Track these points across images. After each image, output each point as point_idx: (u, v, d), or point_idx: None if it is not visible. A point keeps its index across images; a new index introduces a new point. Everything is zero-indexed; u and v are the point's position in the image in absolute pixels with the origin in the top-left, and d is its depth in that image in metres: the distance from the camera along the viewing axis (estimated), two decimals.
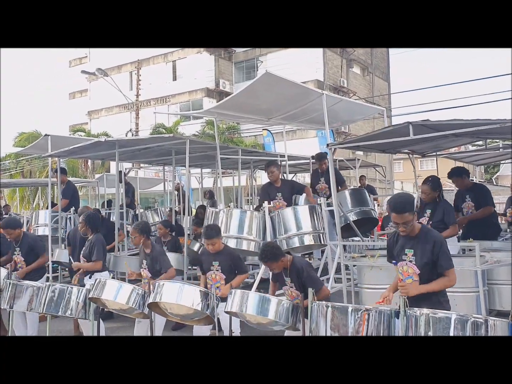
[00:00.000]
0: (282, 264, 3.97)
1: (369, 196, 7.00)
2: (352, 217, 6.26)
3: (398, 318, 2.99)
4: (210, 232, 4.55)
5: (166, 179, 11.69)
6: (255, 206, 8.99)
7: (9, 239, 5.47)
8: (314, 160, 7.62)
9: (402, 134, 4.87)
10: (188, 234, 6.78)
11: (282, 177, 6.94)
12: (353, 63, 29.55)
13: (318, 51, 26.26)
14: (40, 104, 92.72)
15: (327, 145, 5.41)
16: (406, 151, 6.68)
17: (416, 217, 3.38)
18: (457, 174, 5.78)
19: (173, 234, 7.06)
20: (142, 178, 15.81)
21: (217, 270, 4.52)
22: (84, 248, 5.39)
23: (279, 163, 8.43)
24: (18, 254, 5.45)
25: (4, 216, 9.21)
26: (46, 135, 7.39)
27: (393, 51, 34.85)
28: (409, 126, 4.68)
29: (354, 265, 5.74)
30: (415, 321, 2.90)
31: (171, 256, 5.86)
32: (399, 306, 2.98)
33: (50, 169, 8.52)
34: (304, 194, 6.19)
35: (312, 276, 4.04)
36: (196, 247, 6.96)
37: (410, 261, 3.32)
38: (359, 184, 10.23)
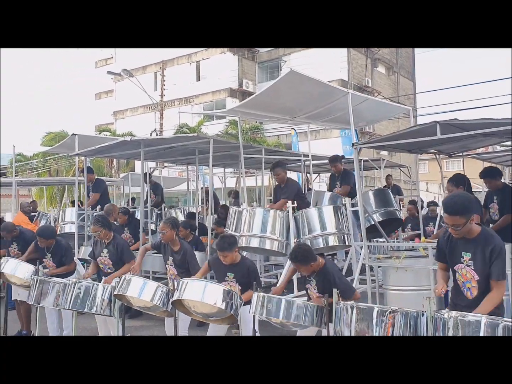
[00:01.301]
0: (311, 269, 3.91)
1: (394, 197, 6.92)
2: (376, 217, 6.18)
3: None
4: (222, 244, 4.33)
5: (189, 178, 11.77)
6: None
7: (39, 245, 5.58)
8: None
9: (428, 134, 4.79)
10: (211, 233, 6.80)
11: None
12: (378, 62, 29.25)
13: (343, 51, 26.08)
14: (67, 104, 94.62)
15: (352, 144, 5.36)
16: (433, 151, 6.57)
17: (477, 219, 3.13)
18: (490, 175, 5.59)
19: (194, 233, 7.11)
20: (166, 177, 15.96)
21: (232, 281, 4.40)
22: (107, 250, 5.28)
23: (302, 162, 8.42)
24: (49, 260, 5.56)
25: (33, 213, 9.45)
26: (73, 134, 7.53)
27: (418, 50, 34.34)
28: (436, 126, 4.60)
29: (379, 266, 5.68)
30: (443, 324, 2.83)
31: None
32: (426, 308, 2.93)
33: (77, 168, 8.67)
34: (328, 195, 6.15)
35: (345, 282, 3.98)
36: None
37: (468, 266, 3.12)
38: (385, 184, 10.11)
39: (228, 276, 4.40)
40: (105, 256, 5.25)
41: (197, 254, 6.19)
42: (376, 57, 28.94)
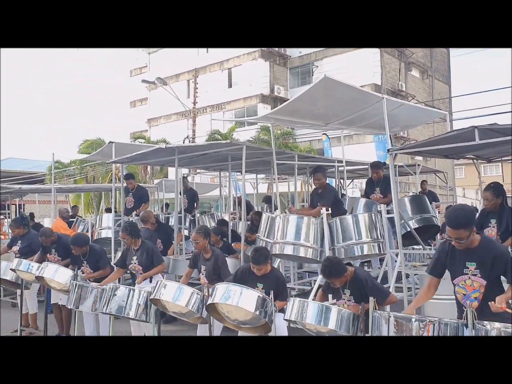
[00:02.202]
0: (345, 279, 3.89)
1: (430, 203, 6.77)
2: (413, 224, 6.06)
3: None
4: (258, 258, 4.35)
5: (221, 184, 11.85)
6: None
7: (74, 253, 5.72)
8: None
9: (466, 139, 4.68)
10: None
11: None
12: (412, 66, 28.80)
13: (376, 55, 25.82)
14: (103, 112, 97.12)
15: (388, 150, 5.29)
16: (471, 156, 6.41)
17: (476, 230, 3.13)
18: None
19: (225, 240, 7.16)
20: (198, 183, 16.13)
21: (263, 289, 4.38)
22: (136, 257, 5.37)
23: (336, 168, 8.35)
24: (86, 267, 5.69)
25: (71, 219, 9.71)
26: (110, 142, 7.70)
27: (454, 53, 33.65)
28: (474, 131, 4.49)
29: (415, 274, 5.57)
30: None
31: (228, 261, 5.90)
32: (467, 319, 2.85)
33: (114, 175, 8.88)
34: (363, 201, 6.07)
35: (377, 285, 3.95)
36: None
37: (474, 275, 3.12)
38: (419, 190, 9.91)
39: (258, 287, 4.41)
40: (135, 263, 5.34)
41: (229, 260, 6.23)
42: (410, 61, 28.50)
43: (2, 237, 11.16)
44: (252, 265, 4.41)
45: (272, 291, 4.08)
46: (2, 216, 13.12)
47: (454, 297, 4.59)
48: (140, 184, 9.61)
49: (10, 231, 8.30)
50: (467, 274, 3.15)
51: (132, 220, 7.84)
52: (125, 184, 8.36)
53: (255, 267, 4.39)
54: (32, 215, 9.39)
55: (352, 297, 3.89)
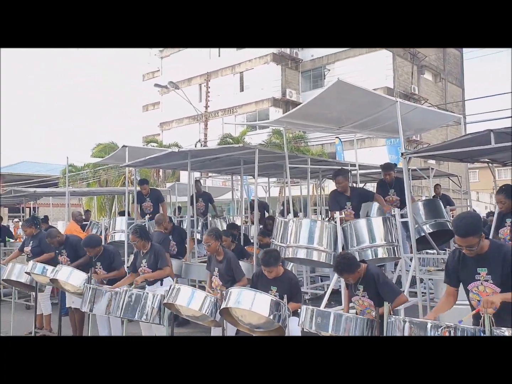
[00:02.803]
0: (358, 275, 3.89)
1: (444, 207, 6.70)
2: (427, 229, 6.01)
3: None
4: (268, 259, 4.35)
5: (233, 188, 11.86)
6: (326, 217, 8.87)
7: (88, 254, 5.75)
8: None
9: (482, 143, 4.62)
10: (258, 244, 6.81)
11: (351, 185, 6.79)
12: (425, 69, 28.63)
13: (388, 58, 25.72)
14: (115, 116, 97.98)
15: (402, 154, 5.25)
16: (485, 160, 6.34)
17: (484, 235, 3.09)
18: None
19: (237, 242, 7.17)
20: (210, 187, 16.16)
21: (275, 296, 4.36)
22: (146, 260, 5.40)
23: (350, 172, 8.31)
24: (100, 268, 5.72)
25: (85, 222, 9.78)
26: (124, 146, 7.75)
27: (467, 56, 33.39)
28: (490, 134, 4.44)
29: (429, 279, 5.51)
30: None
31: (241, 265, 5.91)
32: (484, 325, 2.81)
33: (127, 179, 8.93)
34: (376, 205, 6.03)
35: (388, 283, 3.93)
36: None
37: (486, 281, 3.09)
38: (433, 194, 9.82)
39: (271, 290, 4.40)
40: (144, 266, 5.36)
41: (244, 263, 6.23)
42: (423, 64, 28.34)
43: (18, 240, 11.29)
44: (263, 267, 4.41)
45: (285, 295, 4.07)
46: (17, 219, 13.28)
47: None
48: (152, 187, 9.66)
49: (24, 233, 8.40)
50: (479, 280, 3.12)
51: (144, 224, 7.89)
52: (138, 189, 8.42)
53: (265, 270, 4.39)
54: (46, 218, 9.46)
55: (365, 293, 3.89)
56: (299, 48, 29.08)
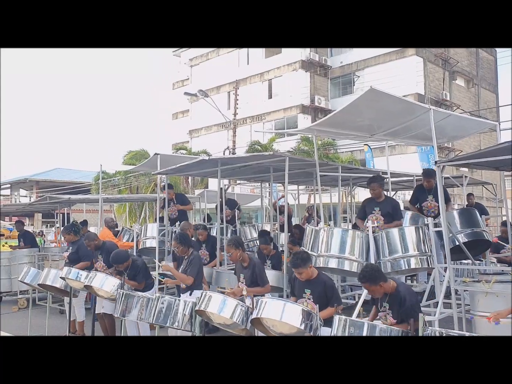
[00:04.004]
0: (382, 289, 3.82)
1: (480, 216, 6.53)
2: (462, 238, 5.86)
3: None
4: (295, 261, 4.35)
5: (262, 195, 11.87)
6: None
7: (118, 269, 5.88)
8: (421, 176, 7.26)
9: None
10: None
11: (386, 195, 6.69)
12: (457, 75, 28.09)
13: (419, 64, 25.36)
14: (145, 124, 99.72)
15: (435, 162, 5.15)
16: None
17: None
18: None
19: (276, 249, 7.17)
20: (239, 194, 16.22)
21: (309, 299, 4.36)
22: (182, 266, 5.54)
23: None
24: (126, 278, 5.82)
25: (117, 229, 9.94)
26: (156, 154, 7.86)
27: (501, 61, 32.61)
28: None
29: (465, 290, 5.37)
30: None
31: (271, 273, 5.89)
32: None
33: (159, 186, 9.05)
34: (408, 214, 5.92)
35: (414, 306, 3.81)
36: None
37: None
38: (466, 203, 9.59)
39: (305, 293, 4.37)
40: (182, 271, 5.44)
41: (275, 272, 6.21)
42: (455, 70, 27.81)
43: (57, 244, 11.54)
44: (293, 269, 4.41)
45: (317, 305, 4.04)
46: (58, 225, 13.59)
47: (508, 316, 4.43)
48: (178, 193, 9.77)
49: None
50: None
51: (174, 230, 7.95)
52: (162, 194, 8.51)
53: (296, 272, 4.38)
54: (85, 222, 9.54)
55: (390, 311, 3.83)
56: (328, 55, 29.02)
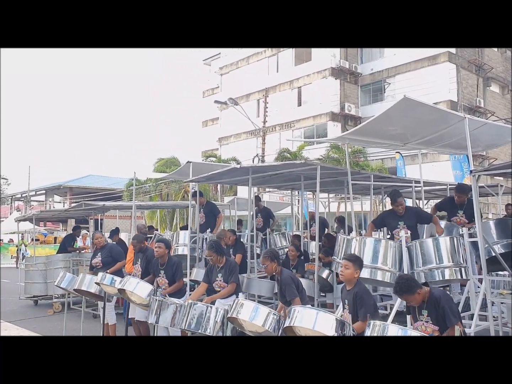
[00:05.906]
0: (419, 297, 3.76)
1: None
2: (498, 249, 5.73)
3: None
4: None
5: (292, 203, 11.87)
6: (387, 235, 8.67)
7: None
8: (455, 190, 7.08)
9: None
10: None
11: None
12: (491, 81, 27.46)
13: (452, 71, 24.92)
14: (175, 131, 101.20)
15: (470, 171, 5.06)
16: None
17: None
18: None
19: (300, 257, 7.16)
20: (268, 202, 16.24)
21: (345, 309, 4.28)
22: (221, 274, 5.51)
23: (413, 189, 8.11)
24: (163, 277, 5.91)
25: (149, 235, 10.09)
26: (188, 162, 7.98)
27: None
28: None
29: (502, 303, 5.25)
30: None
31: (303, 282, 5.87)
32: None
33: (191, 193, 9.17)
34: (443, 224, 5.82)
35: (452, 307, 3.72)
36: (325, 274, 6.93)
37: None
38: (504, 213, 9.34)
39: (345, 303, 4.32)
40: (220, 280, 5.46)
41: (305, 281, 6.20)
42: (489, 76, 27.21)
43: (85, 250, 11.82)
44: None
45: (350, 315, 4.01)
46: (85, 231, 13.90)
47: None
48: (209, 201, 9.89)
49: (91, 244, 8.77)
50: None
51: (206, 237, 8.04)
52: (193, 202, 8.62)
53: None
54: (117, 230, 9.73)
55: (429, 318, 3.75)
56: (358, 62, 28.85)
